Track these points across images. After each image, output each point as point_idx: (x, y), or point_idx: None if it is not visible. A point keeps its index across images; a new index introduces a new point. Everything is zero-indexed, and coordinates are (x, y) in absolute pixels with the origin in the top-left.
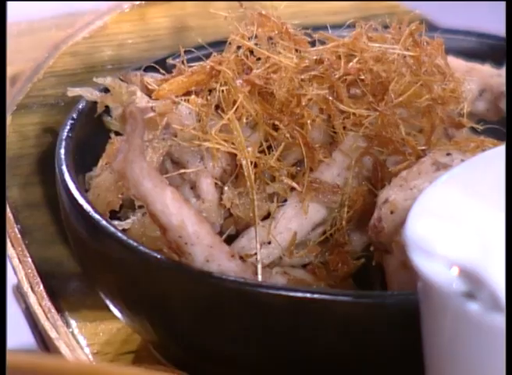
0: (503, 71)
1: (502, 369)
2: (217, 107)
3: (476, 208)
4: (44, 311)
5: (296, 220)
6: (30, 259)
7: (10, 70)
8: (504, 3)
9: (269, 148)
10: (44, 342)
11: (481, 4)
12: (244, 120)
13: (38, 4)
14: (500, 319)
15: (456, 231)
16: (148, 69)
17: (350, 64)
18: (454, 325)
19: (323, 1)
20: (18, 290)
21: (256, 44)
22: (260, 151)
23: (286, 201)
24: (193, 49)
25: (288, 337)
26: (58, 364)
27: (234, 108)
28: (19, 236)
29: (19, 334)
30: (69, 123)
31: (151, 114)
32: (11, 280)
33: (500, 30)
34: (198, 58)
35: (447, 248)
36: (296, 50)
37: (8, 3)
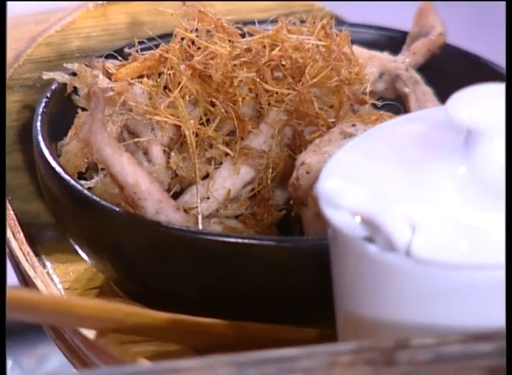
0: (398, 58)
1: (393, 299)
2: (165, 87)
3: (374, 168)
4: (24, 254)
5: (229, 179)
6: (12, 212)
7: None
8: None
9: (208, 120)
10: (25, 280)
11: (383, 4)
12: (187, 98)
13: (20, 3)
14: (394, 258)
15: (358, 187)
16: (109, 56)
17: (274, 52)
18: (357, 263)
19: (251, 1)
20: None
21: (197, 36)
22: (200, 124)
23: (221, 164)
24: (145, 40)
25: (223, 275)
26: (36, 297)
27: (179, 88)
28: None
29: None
30: (43, 101)
31: (111, 93)
32: None
33: (396, 24)
34: (149, 48)
35: (351, 200)
36: (230, 40)
37: None
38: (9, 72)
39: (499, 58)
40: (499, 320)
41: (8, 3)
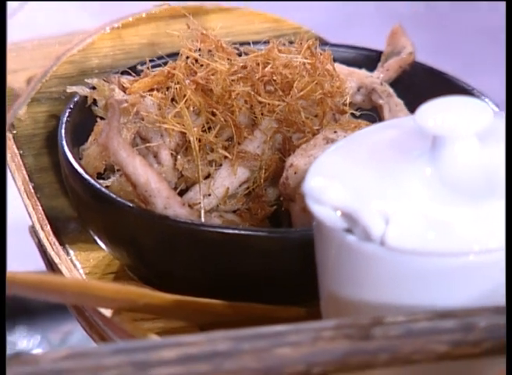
0: (373, 74)
1: (369, 282)
2: (172, 99)
3: (353, 169)
4: (50, 244)
5: (228, 179)
6: (40, 207)
7: (26, 74)
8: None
9: (209, 128)
10: (51, 266)
11: (360, 27)
12: (191, 109)
13: (46, 27)
14: (370, 247)
15: (339, 185)
16: (124, 73)
17: (266, 69)
18: (338, 251)
19: (248, 25)
20: (32, 229)
21: (200, 55)
22: (203, 131)
23: (221, 165)
24: (155, 59)
25: (222, 262)
26: (61, 280)
27: (184, 100)
28: (32, 191)
29: (34, 260)
30: (67, 111)
31: (125, 104)
32: (27, 222)
33: (371, 44)
34: (159, 65)
35: (333, 197)
36: (228, 59)
37: (25, 26)
38: (37, 86)
39: (461, 74)
40: (460, 300)
41: (36, 28)
